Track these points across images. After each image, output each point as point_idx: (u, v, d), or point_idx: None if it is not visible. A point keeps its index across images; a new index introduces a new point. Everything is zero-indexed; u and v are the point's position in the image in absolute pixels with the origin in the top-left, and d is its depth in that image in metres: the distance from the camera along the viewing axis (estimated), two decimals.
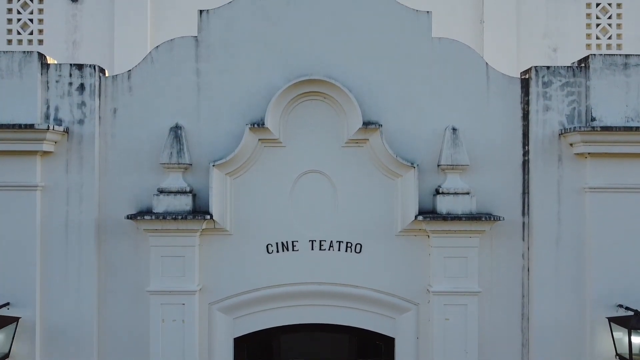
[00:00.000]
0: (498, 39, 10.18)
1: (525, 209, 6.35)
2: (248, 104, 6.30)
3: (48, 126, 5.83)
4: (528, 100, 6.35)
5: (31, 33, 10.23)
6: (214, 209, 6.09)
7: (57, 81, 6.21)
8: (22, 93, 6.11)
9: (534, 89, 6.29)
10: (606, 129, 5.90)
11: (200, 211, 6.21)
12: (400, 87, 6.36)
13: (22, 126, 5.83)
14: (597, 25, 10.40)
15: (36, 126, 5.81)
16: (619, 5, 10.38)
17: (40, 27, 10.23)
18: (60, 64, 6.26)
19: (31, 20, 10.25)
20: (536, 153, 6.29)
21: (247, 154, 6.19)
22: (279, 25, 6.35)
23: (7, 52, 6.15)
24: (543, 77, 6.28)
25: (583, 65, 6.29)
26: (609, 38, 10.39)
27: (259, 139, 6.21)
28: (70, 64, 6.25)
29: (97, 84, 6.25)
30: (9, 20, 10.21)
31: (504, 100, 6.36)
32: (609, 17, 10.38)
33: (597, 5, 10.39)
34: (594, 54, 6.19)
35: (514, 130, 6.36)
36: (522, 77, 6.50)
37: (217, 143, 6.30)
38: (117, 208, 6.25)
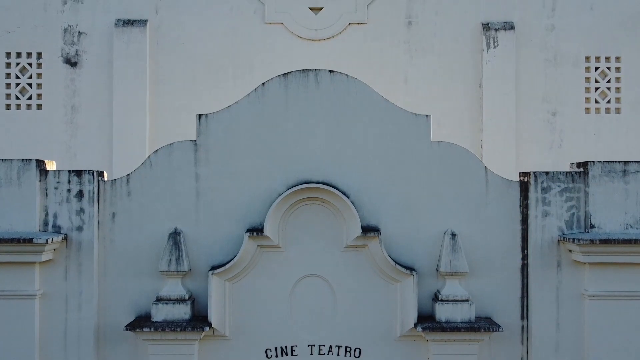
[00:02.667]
0: (497, 103, 10.19)
1: (524, 313, 6.35)
2: (247, 207, 6.31)
3: (47, 240, 5.81)
4: (527, 204, 6.35)
5: (30, 97, 10.24)
6: (213, 316, 6.09)
7: (55, 188, 6.21)
8: (21, 201, 6.10)
9: (532, 194, 6.29)
10: (605, 241, 5.90)
11: (199, 316, 6.21)
12: (399, 191, 6.36)
13: (21, 240, 5.82)
14: (597, 89, 10.43)
15: (35, 240, 5.80)
16: (617, 69, 10.40)
17: (39, 91, 10.22)
18: (59, 171, 6.25)
19: (30, 84, 10.25)
20: (535, 258, 6.29)
21: (246, 260, 6.19)
22: (278, 129, 6.35)
23: (5, 160, 6.13)
24: (542, 182, 6.29)
25: (582, 170, 6.30)
26: (608, 102, 10.40)
27: (258, 245, 6.21)
28: (69, 171, 6.25)
29: (95, 190, 6.24)
30: (8, 85, 10.21)
31: (502, 204, 6.37)
32: (608, 81, 10.40)
33: (596, 69, 10.41)
34: (593, 162, 6.20)
35: (513, 234, 6.37)
36: (521, 179, 6.50)
37: (216, 246, 6.30)
38: (116, 314, 6.24)
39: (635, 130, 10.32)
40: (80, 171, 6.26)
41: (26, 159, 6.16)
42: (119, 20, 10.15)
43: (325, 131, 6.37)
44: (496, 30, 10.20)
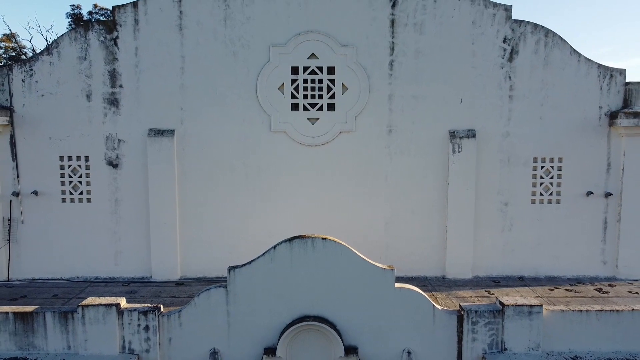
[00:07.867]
0: (460, 196, 12.50)
1: None
2: (263, 333, 8.92)
3: None
4: (462, 330, 8.95)
5: (81, 193, 12.55)
6: None
7: (129, 323, 8.79)
8: (106, 334, 8.72)
9: (465, 326, 8.89)
10: None
11: None
12: (372, 321, 8.94)
13: None
14: (541, 184, 12.72)
15: None
16: (559, 167, 12.64)
17: (88, 188, 12.53)
18: (131, 311, 8.81)
19: (80, 182, 12.53)
20: None
21: None
22: (285, 279, 8.85)
23: (94, 305, 8.68)
24: (472, 317, 8.86)
25: (501, 309, 8.86)
26: (550, 194, 12.69)
27: None
28: (138, 312, 8.80)
29: (157, 324, 8.83)
30: (62, 183, 12.53)
31: (445, 330, 8.98)
32: (551, 178, 12.67)
33: (542, 167, 12.65)
34: (508, 305, 8.75)
35: (451, 351, 9.00)
36: (458, 311, 9.08)
37: None
38: None
39: (572, 218, 12.74)
40: (146, 311, 8.82)
41: (108, 304, 8.71)
42: (151, 129, 12.34)
43: (320, 280, 8.87)
44: (461, 138, 12.42)
